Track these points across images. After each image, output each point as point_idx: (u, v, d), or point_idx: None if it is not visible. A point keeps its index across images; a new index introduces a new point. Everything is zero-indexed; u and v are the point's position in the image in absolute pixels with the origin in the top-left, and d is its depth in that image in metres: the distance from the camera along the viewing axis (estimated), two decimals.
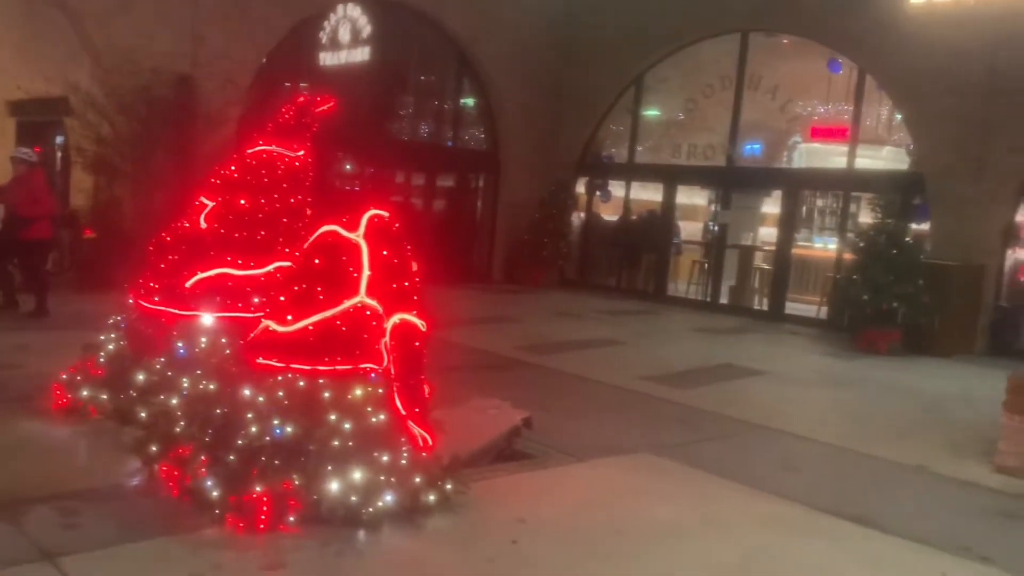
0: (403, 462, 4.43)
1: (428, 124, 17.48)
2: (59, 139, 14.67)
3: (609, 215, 17.69)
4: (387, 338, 4.64)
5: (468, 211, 17.52)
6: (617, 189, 17.12)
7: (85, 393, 5.47)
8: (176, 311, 5.48)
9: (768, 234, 15.94)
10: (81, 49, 11.96)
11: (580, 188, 17.42)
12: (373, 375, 4.54)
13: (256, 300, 5.43)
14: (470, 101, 17.17)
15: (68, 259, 12.00)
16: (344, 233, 4.71)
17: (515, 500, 4.76)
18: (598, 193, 17.43)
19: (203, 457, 4.26)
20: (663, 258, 16.11)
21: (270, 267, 5.60)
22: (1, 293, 9.34)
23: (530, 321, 12.22)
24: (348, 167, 14.42)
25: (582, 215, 17.50)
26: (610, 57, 16.19)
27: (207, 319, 5.38)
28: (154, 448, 4.57)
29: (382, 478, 4.28)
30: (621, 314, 13.60)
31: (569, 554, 4.17)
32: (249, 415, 4.28)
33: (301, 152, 6.18)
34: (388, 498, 4.24)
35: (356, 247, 4.70)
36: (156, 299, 5.57)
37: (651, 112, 16.99)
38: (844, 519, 4.89)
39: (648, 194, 16.98)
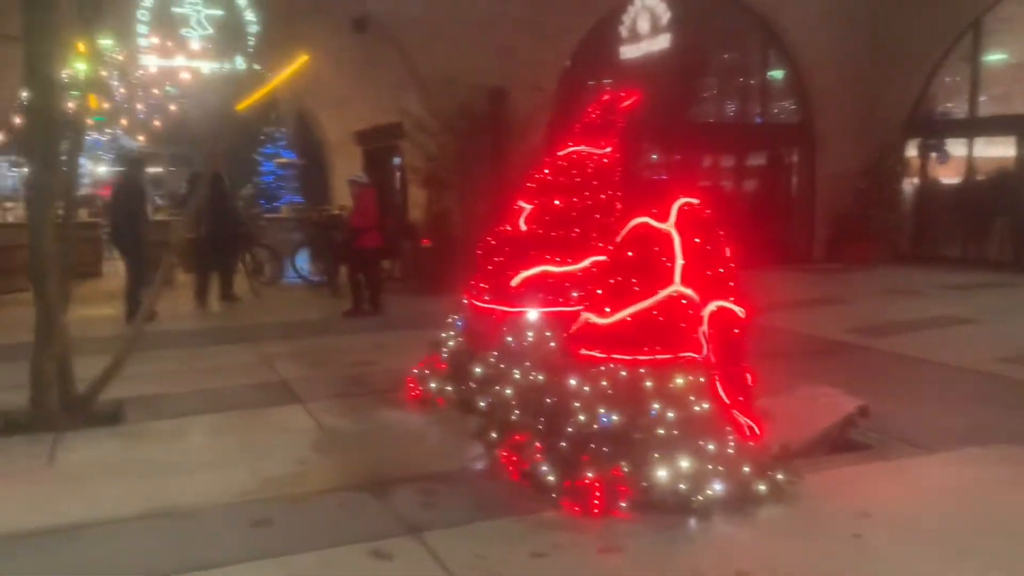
0: (730, 451, 4.36)
1: (734, 103, 16.98)
2: (396, 161, 16.46)
3: (948, 178, 15.86)
4: (705, 326, 4.59)
5: (782, 188, 16.71)
6: (956, 148, 15.28)
7: (433, 386, 6.09)
8: (505, 308, 5.88)
9: None
10: (409, 77, 13.29)
11: (911, 151, 15.81)
12: (693, 363, 4.51)
13: (575, 294, 5.65)
14: (777, 73, 16.36)
15: (410, 267, 13.40)
16: (655, 224, 4.74)
17: (854, 492, 4.45)
18: (933, 154, 15.70)
19: (537, 444, 4.54)
20: (1021, 223, 14.08)
21: (586, 262, 5.80)
22: (353, 299, 10.70)
23: (859, 301, 11.36)
24: (654, 157, 14.46)
25: (915, 181, 15.88)
26: (937, 2, 14.50)
27: (532, 314, 5.71)
28: (494, 435, 4.95)
29: (710, 467, 4.24)
30: (969, 288, 12.13)
31: (929, 552, 3.81)
32: (576, 404, 4.47)
33: (608, 149, 6.32)
34: (717, 487, 4.20)
35: (668, 237, 4.70)
36: (487, 298, 6.03)
37: (996, 57, 14.93)
38: None
39: (997, 150, 14.95)
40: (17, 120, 23.87)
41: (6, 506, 4.37)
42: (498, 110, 12.91)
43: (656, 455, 4.29)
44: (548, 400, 4.71)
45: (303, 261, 13.53)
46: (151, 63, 12.50)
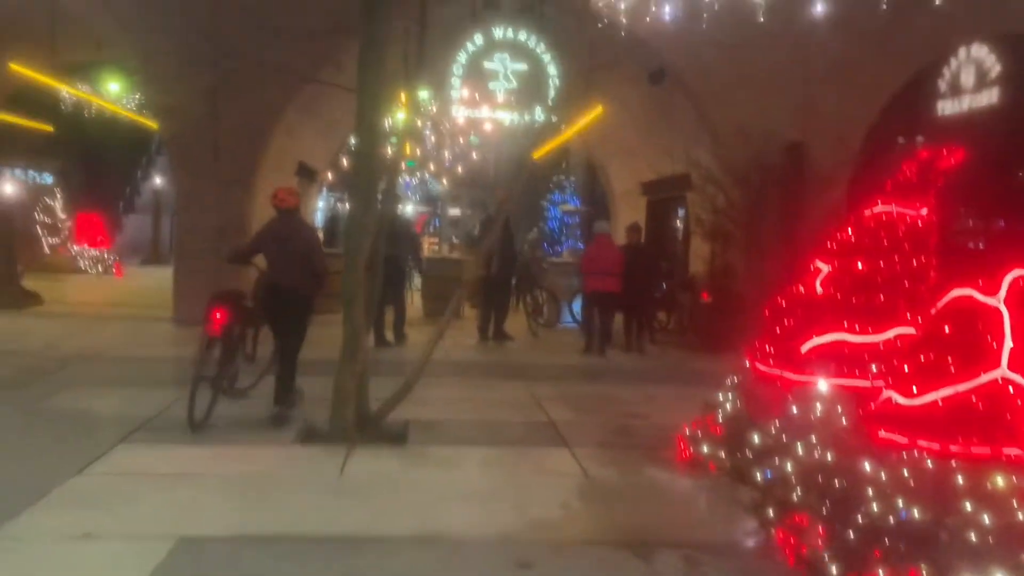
0: None
1: None
2: (680, 212, 16.30)
3: None
4: None
5: None
6: None
7: (705, 449, 5.81)
8: (791, 375, 5.48)
9: None
10: (701, 128, 13.13)
11: None
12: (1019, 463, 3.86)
13: (874, 368, 5.13)
14: None
15: (687, 320, 13.11)
16: (981, 298, 4.17)
17: None
18: None
19: (820, 529, 4.12)
20: None
21: (890, 333, 5.25)
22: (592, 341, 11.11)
23: None
24: (972, 222, 12.95)
25: None
26: None
27: (822, 385, 5.25)
28: (770, 512, 4.59)
29: None
30: None
31: None
32: (870, 492, 4.00)
33: (924, 210, 5.72)
34: None
35: (995, 313, 4.12)
36: (771, 362, 5.67)
37: None
38: None
39: None
40: (344, 162, 26.96)
41: (300, 510, 4.78)
42: (795, 164, 12.32)
43: (964, 563, 3.70)
44: (837, 483, 4.27)
45: (580, 306, 13.78)
46: (460, 114, 13.50)
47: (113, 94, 18.21)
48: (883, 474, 4.03)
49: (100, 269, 20.05)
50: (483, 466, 5.78)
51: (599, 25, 11.52)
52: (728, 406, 5.95)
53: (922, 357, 4.25)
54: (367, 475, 5.47)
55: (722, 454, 5.71)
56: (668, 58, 12.65)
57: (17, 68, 12.88)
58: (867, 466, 4.11)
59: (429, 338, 6.95)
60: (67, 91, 15.90)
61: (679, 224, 16.58)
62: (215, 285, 12.38)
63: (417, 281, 14.51)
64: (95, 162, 26.29)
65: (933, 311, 4.37)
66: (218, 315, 6.43)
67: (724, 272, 12.50)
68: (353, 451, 5.87)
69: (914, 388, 4.13)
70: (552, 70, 12.82)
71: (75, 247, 20.39)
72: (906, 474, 3.97)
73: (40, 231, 20.63)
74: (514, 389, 8.42)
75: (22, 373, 8.09)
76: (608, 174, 20.12)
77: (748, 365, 5.97)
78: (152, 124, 16.37)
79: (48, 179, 25.14)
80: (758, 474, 5.24)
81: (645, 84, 14.22)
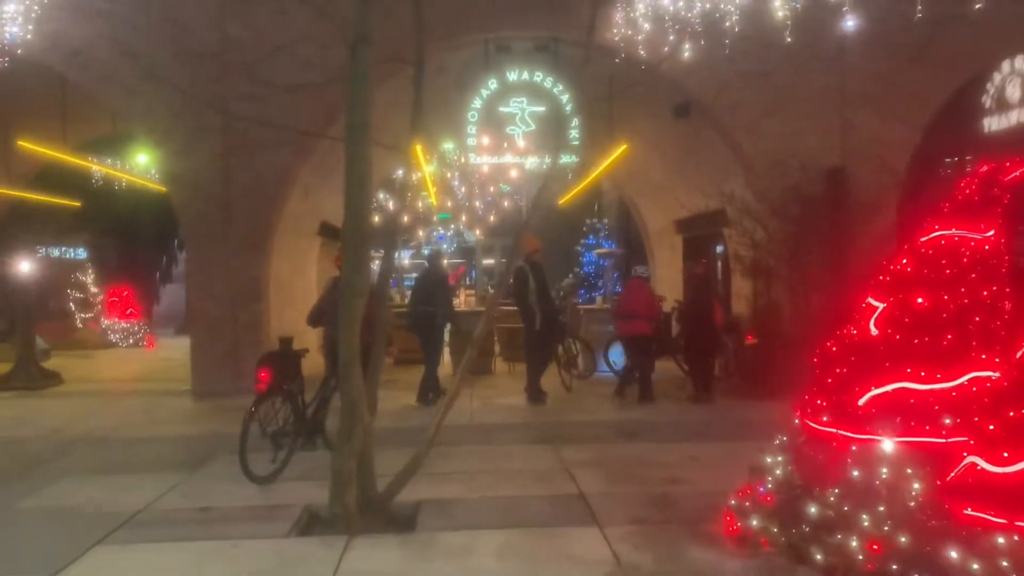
0: None
1: None
2: (719, 249, 15.52)
3: None
4: None
5: None
6: None
7: (755, 523, 5.00)
8: (849, 433, 4.69)
9: None
10: (733, 160, 12.44)
11: None
12: None
13: (948, 421, 4.32)
14: None
15: (732, 365, 12.26)
16: None
17: None
18: None
19: None
20: None
21: (964, 379, 4.45)
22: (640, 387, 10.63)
23: None
24: None
25: None
26: None
27: (887, 444, 4.46)
28: None
29: None
30: None
31: None
32: None
33: (990, 232, 4.95)
34: None
35: None
36: (825, 419, 4.88)
37: None
38: None
39: None
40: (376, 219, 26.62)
41: None
42: (836, 191, 11.53)
43: None
44: (915, 571, 3.48)
45: (616, 355, 12.99)
46: (478, 161, 13.00)
47: (141, 166, 18.16)
48: (974, 564, 3.23)
49: (131, 342, 19.84)
50: (500, 555, 5.05)
51: (616, 60, 10.99)
52: (778, 471, 5.15)
53: (1011, 412, 3.46)
54: (365, 574, 4.78)
55: (775, 528, 4.90)
56: (692, 91, 12.04)
57: (27, 145, 12.75)
58: (952, 554, 3.31)
59: (439, 404, 6.29)
60: (89, 166, 15.82)
61: (718, 262, 15.79)
62: (232, 355, 12.03)
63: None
64: (128, 235, 26.44)
65: (1020, 354, 3.58)
66: (263, 375, 7.20)
67: (769, 311, 11.67)
68: (353, 542, 5.20)
69: (1005, 453, 3.34)
70: (571, 110, 12.29)
71: (106, 321, 20.24)
72: (1005, 565, 3.16)
73: (72, 307, 20.57)
74: (542, 455, 7.67)
75: (17, 463, 7.60)
76: (641, 214, 19.46)
77: (799, 422, 5.19)
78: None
79: (81, 254, 25.30)
80: (818, 553, 4.46)
81: (671, 119, 13.61)
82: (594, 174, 16.00)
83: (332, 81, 10.83)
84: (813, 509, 4.62)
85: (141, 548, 5.25)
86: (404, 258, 32.35)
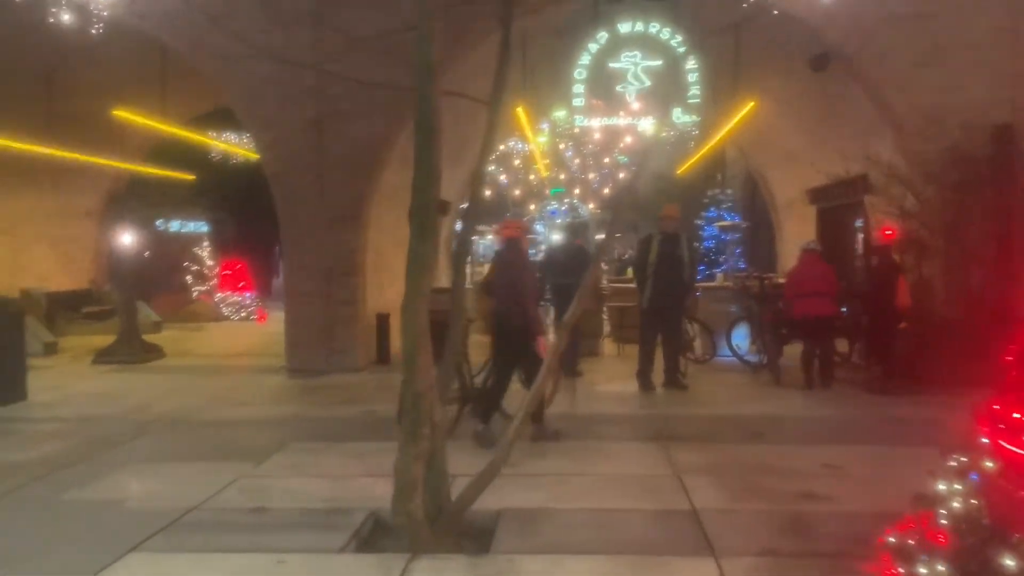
0: None
1: None
2: (859, 223, 13.90)
3: None
4: None
5: None
6: None
7: (923, 570, 3.82)
8: None
9: None
10: (879, 119, 10.87)
11: None
12: None
13: None
14: None
15: (875, 352, 10.75)
16: None
17: None
18: None
19: None
20: None
21: None
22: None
23: None
24: None
25: None
26: None
27: None
28: None
29: None
30: None
31: None
32: None
33: None
34: None
35: None
36: None
37: None
38: None
39: None
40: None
41: None
42: (1005, 152, 9.80)
43: None
44: None
45: (740, 338, 11.70)
46: (589, 123, 11.89)
47: (246, 140, 18.08)
48: None
49: (243, 315, 19.89)
50: None
51: (744, 5, 9.67)
52: (956, 503, 3.93)
53: None
54: None
55: None
56: (833, 40, 10.53)
57: (123, 115, 12.57)
58: None
59: (525, 398, 5.35)
60: (190, 136, 15.72)
61: (858, 235, 14.15)
62: (326, 331, 11.51)
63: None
64: (247, 209, 26.76)
65: None
66: None
67: (919, 290, 10.09)
68: (413, 565, 4.35)
69: None
70: (691, 64, 11.00)
71: (219, 294, 20.39)
72: None
73: (189, 280, 20.86)
74: (648, 456, 6.62)
75: (84, 446, 7.19)
76: (769, 183, 17.87)
77: (986, 440, 3.94)
78: None
79: (202, 228, 25.80)
80: None
81: (806, 73, 12.09)
82: (717, 138, 14.59)
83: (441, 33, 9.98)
84: (1012, 563, 3.41)
85: (176, 559, 4.56)
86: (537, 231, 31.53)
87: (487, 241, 39.49)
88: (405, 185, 12.72)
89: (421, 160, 4.85)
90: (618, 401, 9.14)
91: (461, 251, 5.68)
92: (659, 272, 9.47)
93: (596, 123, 12.13)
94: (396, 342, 10.91)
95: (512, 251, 7.51)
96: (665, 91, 10.97)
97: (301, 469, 6.32)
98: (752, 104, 11.71)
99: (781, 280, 12.28)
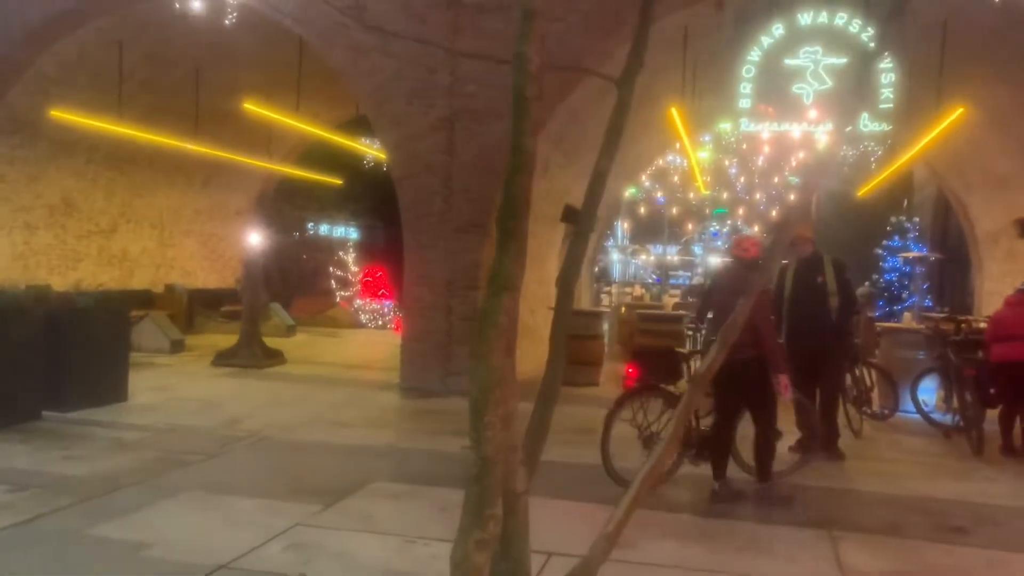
0: None
1: None
2: None
3: None
4: None
5: None
6: None
7: None
8: None
9: None
10: None
11: None
12: None
13: None
14: None
15: None
16: None
17: None
18: None
19: None
20: None
21: None
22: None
23: None
24: None
25: None
26: None
27: None
28: None
29: None
30: None
31: None
32: None
33: None
34: None
35: None
36: None
37: None
38: None
39: None
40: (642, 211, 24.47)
41: None
42: None
43: None
44: None
45: (929, 392, 9.67)
46: (756, 128, 10.28)
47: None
48: None
49: (380, 323, 19.47)
50: None
51: None
52: None
53: None
54: None
55: None
56: None
57: (251, 108, 12.19)
58: None
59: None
60: (326, 136, 15.37)
61: None
62: (443, 349, 10.54)
63: None
64: (398, 216, 26.68)
65: None
66: (630, 370, 6.57)
67: None
68: None
69: None
70: (886, 63, 9.22)
71: (358, 301, 20.09)
72: None
73: (332, 285, 20.76)
74: (807, 552, 5.03)
75: (154, 463, 6.47)
76: (968, 210, 15.41)
77: None
78: None
79: (352, 234, 25.87)
80: None
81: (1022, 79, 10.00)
82: (910, 153, 12.51)
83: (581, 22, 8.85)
84: None
85: None
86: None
87: (638, 261, 37.65)
88: (541, 195, 11.61)
89: (514, 155, 3.65)
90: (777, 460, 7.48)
91: (568, 269, 4.41)
92: (795, 308, 7.67)
93: (765, 131, 10.51)
94: (521, 365, 9.80)
95: (743, 272, 6.24)
96: (851, 94, 9.23)
97: (370, 521, 5.24)
98: (960, 110, 9.70)
99: (983, 324, 10.15)
